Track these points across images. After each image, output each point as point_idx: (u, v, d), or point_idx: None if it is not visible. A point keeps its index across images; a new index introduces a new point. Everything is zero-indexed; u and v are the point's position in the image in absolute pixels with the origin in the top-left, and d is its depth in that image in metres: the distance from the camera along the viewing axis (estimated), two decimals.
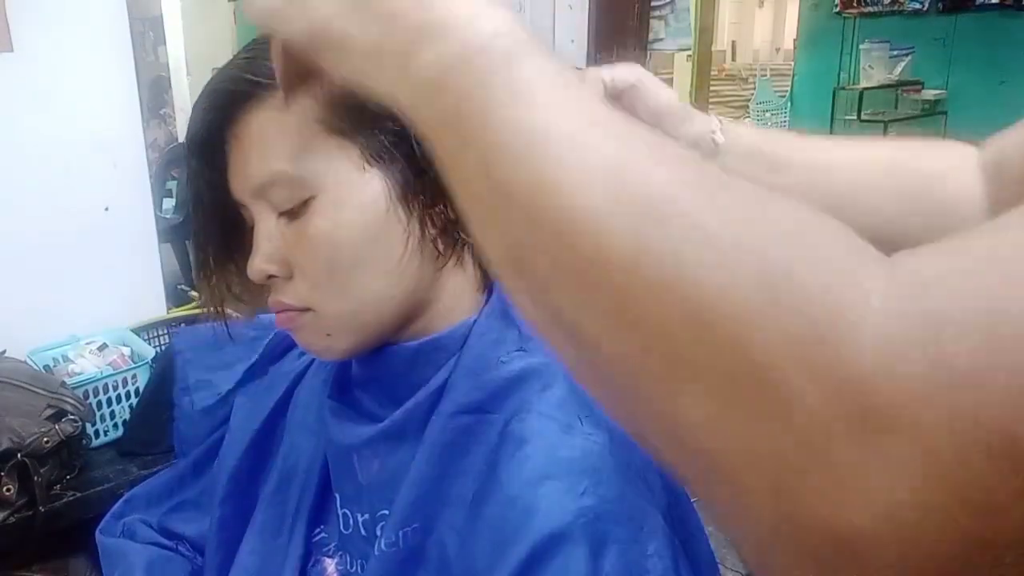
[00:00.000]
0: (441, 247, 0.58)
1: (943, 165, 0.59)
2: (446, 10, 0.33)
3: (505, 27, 0.33)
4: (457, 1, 0.34)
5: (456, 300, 0.61)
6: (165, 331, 1.65)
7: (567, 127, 0.29)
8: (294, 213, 0.55)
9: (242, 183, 0.56)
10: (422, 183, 0.56)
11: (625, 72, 0.55)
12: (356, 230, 0.55)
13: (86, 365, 1.44)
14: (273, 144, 0.54)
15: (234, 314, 0.70)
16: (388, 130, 0.54)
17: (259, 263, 0.56)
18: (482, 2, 0.34)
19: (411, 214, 0.56)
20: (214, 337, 0.80)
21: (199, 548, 0.76)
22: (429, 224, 0.57)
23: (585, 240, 0.27)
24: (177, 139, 2.18)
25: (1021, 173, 0.53)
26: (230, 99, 0.55)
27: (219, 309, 0.64)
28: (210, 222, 0.60)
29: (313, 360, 0.73)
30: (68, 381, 1.34)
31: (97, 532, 0.79)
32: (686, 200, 0.27)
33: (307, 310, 0.57)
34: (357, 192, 0.55)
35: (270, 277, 0.57)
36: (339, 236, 0.55)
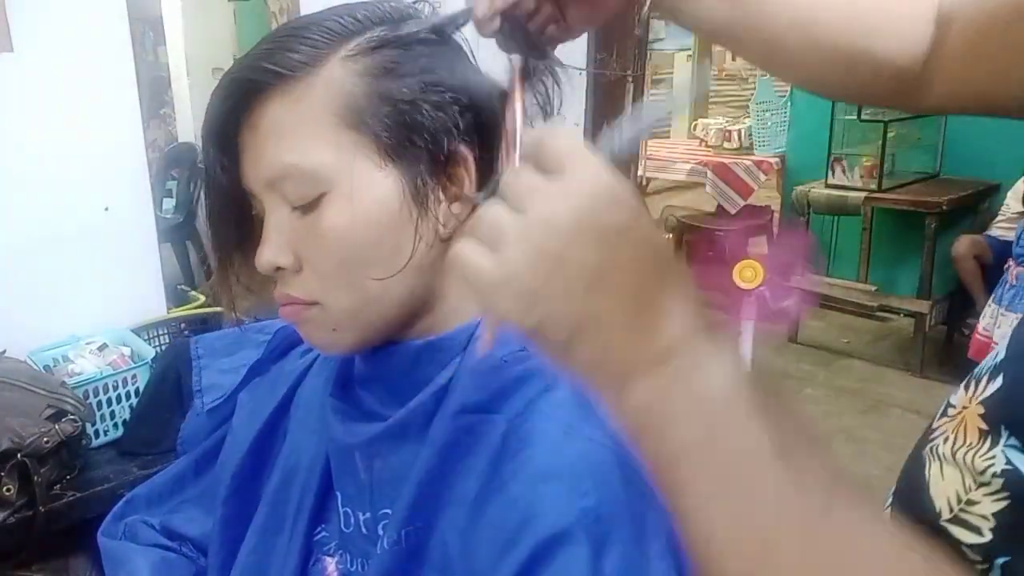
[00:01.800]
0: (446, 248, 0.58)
1: (901, 10, 0.60)
2: (667, 346, 0.36)
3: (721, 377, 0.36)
4: (681, 340, 0.36)
5: (462, 300, 0.61)
6: (165, 331, 1.65)
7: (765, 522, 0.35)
8: (307, 207, 0.55)
9: (255, 174, 0.56)
10: (436, 183, 0.56)
11: None
12: (368, 227, 0.55)
13: (86, 365, 1.44)
14: (288, 136, 0.54)
15: (239, 316, 0.70)
16: (405, 128, 0.54)
17: (268, 254, 0.56)
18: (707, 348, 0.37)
19: (423, 214, 0.56)
20: (230, 341, 0.81)
21: (202, 548, 0.76)
22: (440, 224, 0.57)
23: None
24: (177, 139, 2.18)
25: (964, 26, 0.56)
26: (248, 88, 0.55)
27: (231, 300, 0.64)
28: (223, 210, 0.60)
29: (315, 359, 0.73)
30: (68, 381, 1.34)
31: (99, 534, 0.79)
32: None
33: (314, 304, 0.57)
34: (371, 189, 0.54)
35: (278, 269, 0.57)
36: (350, 232, 0.54)
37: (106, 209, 1.58)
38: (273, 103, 0.54)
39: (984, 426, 0.48)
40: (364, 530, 0.61)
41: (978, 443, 0.48)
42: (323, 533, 0.66)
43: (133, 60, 1.58)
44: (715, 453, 0.36)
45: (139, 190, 1.62)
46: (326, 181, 0.54)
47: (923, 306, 3.56)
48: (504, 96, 0.56)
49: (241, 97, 0.55)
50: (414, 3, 0.59)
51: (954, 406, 0.53)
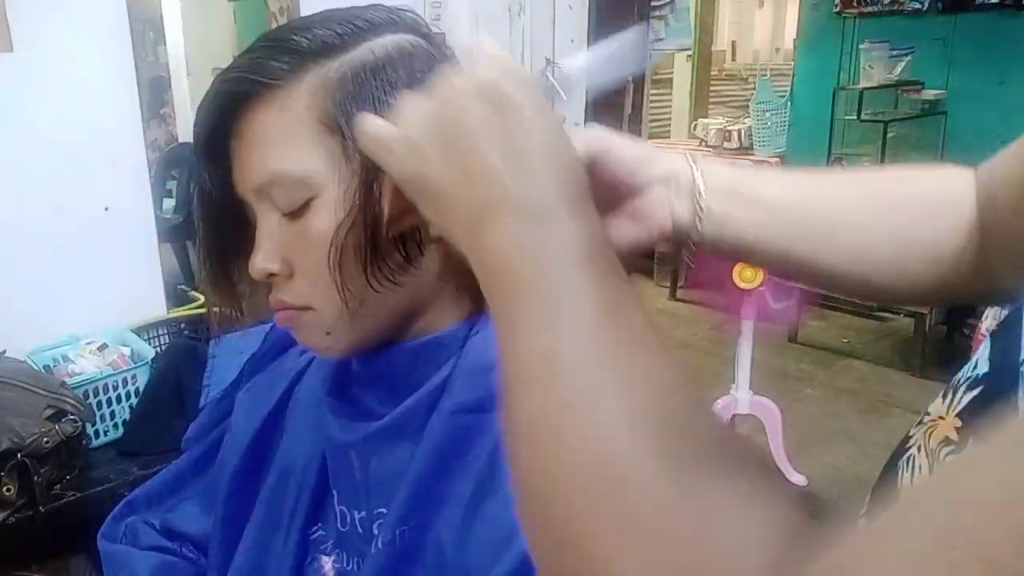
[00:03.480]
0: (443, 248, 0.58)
1: (939, 198, 0.56)
2: (522, 196, 0.39)
3: (567, 232, 0.38)
4: (535, 190, 0.39)
5: (457, 300, 0.61)
6: (165, 331, 1.65)
7: (577, 357, 0.35)
8: (296, 213, 0.55)
9: (245, 182, 0.57)
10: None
11: (591, 139, 0.52)
12: (356, 231, 0.55)
13: (86, 365, 1.44)
14: (274, 144, 0.55)
15: (237, 319, 0.70)
16: None
17: (260, 261, 0.57)
18: (555, 196, 0.39)
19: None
20: (242, 343, 0.81)
21: (202, 547, 0.76)
22: (431, 224, 0.57)
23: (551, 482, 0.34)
24: (177, 139, 2.18)
25: (1007, 203, 0.52)
26: (234, 98, 0.55)
27: (222, 306, 0.65)
28: (214, 219, 0.61)
29: (314, 358, 0.73)
30: (68, 381, 1.35)
31: (99, 537, 0.79)
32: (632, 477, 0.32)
33: (307, 308, 0.57)
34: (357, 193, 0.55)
35: (271, 275, 0.57)
36: (339, 237, 0.55)
37: (106, 209, 1.58)
38: (259, 112, 0.55)
39: (955, 436, 0.48)
40: (360, 529, 0.62)
41: (945, 447, 0.48)
42: (319, 532, 0.66)
43: (133, 60, 1.58)
44: (546, 297, 0.37)
45: (139, 190, 1.63)
46: (313, 187, 0.54)
47: (923, 306, 3.56)
48: None
49: (227, 107, 0.56)
50: (402, 9, 0.59)
51: (930, 414, 0.52)
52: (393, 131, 0.44)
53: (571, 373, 0.35)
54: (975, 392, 0.48)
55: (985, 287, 0.56)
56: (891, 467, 0.54)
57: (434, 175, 0.42)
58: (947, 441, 0.48)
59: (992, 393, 0.47)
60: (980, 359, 0.50)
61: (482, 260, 0.40)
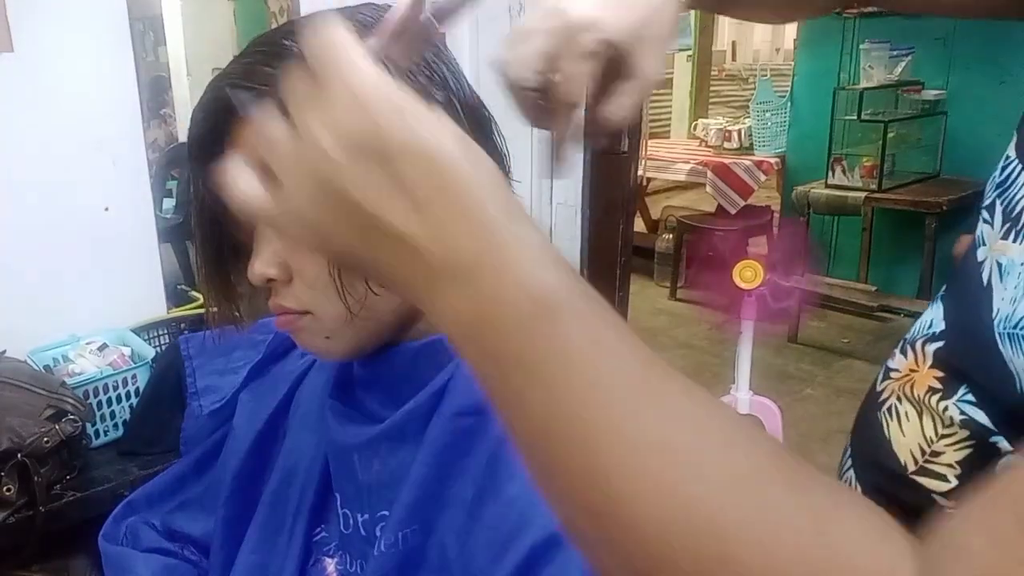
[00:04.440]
0: None
1: None
2: (445, 258, 0.33)
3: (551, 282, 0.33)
4: (455, 245, 0.33)
5: None
6: (165, 331, 1.65)
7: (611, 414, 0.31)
8: None
9: None
10: None
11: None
12: None
13: (86, 365, 1.44)
14: None
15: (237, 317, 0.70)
16: None
17: (259, 267, 0.57)
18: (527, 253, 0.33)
19: None
20: (222, 342, 0.81)
21: (204, 548, 0.76)
22: None
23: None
24: (177, 139, 2.18)
25: None
26: (228, 104, 0.55)
27: (222, 312, 0.65)
28: (212, 226, 0.61)
29: (315, 360, 0.73)
30: (68, 381, 1.34)
31: (100, 538, 0.79)
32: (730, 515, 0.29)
33: (306, 313, 0.57)
34: None
35: (270, 281, 0.57)
36: None
37: (106, 209, 1.58)
38: (252, 119, 0.55)
39: (938, 385, 0.53)
40: (363, 531, 0.62)
41: (933, 395, 0.53)
42: (323, 534, 0.66)
43: (133, 60, 1.58)
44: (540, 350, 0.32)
45: (139, 190, 1.62)
46: None
47: (923, 306, 3.53)
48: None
49: (221, 115, 0.56)
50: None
51: (898, 370, 0.57)
52: (269, 204, 0.35)
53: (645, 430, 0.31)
54: (938, 345, 0.54)
55: None
56: (870, 419, 0.57)
57: (346, 252, 0.35)
58: (932, 390, 0.53)
59: (958, 346, 0.53)
60: (934, 319, 0.56)
61: (450, 332, 0.34)
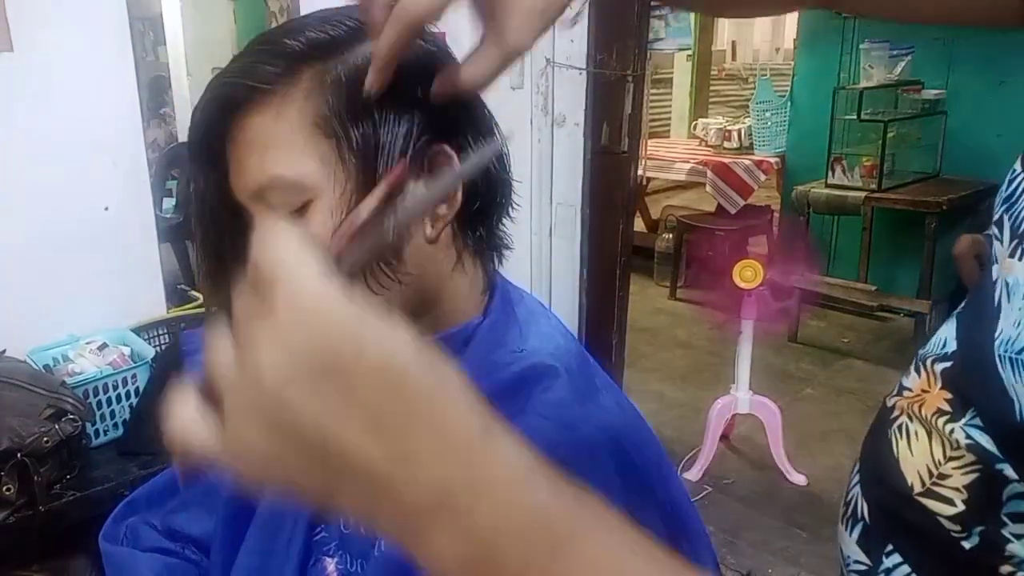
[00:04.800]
0: (442, 250, 0.58)
1: None
2: (416, 491, 0.30)
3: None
4: (424, 475, 0.29)
5: (459, 302, 0.61)
6: (165, 331, 1.65)
7: None
8: (295, 215, 0.55)
9: (241, 186, 0.57)
10: (423, 186, 0.56)
11: None
12: None
13: (86, 365, 1.44)
14: (270, 148, 0.54)
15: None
16: (384, 133, 0.54)
17: None
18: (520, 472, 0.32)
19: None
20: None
21: (204, 548, 0.76)
22: (428, 225, 0.57)
23: None
24: (177, 139, 2.18)
25: None
26: (228, 103, 0.55)
27: (221, 308, 0.65)
28: (212, 223, 0.61)
29: None
30: (68, 381, 1.34)
31: (100, 538, 0.79)
32: None
33: None
34: (354, 195, 0.55)
35: None
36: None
37: (106, 209, 1.58)
38: (253, 116, 0.55)
39: (947, 407, 0.51)
40: (363, 531, 0.62)
41: (941, 417, 0.51)
42: (323, 533, 0.66)
43: (133, 60, 1.58)
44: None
45: (139, 190, 1.62)
46: (310, 189, 0.54)
47: (923, 306, 3.56)
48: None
49: (222, 112, 0.56)
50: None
51: (911, 389, 0.55)
52: (215, 443, 0.32)
53: None
54: (946, 365, 0.53)
55: None
56: (880, 435, 0.56)
57: (306, 484, 0.31)
58: (940, 412, 0.51)
59: (965, 368, 0.51)
60: (948, 338, 0.54)
61: (448, 566, 0.31)
